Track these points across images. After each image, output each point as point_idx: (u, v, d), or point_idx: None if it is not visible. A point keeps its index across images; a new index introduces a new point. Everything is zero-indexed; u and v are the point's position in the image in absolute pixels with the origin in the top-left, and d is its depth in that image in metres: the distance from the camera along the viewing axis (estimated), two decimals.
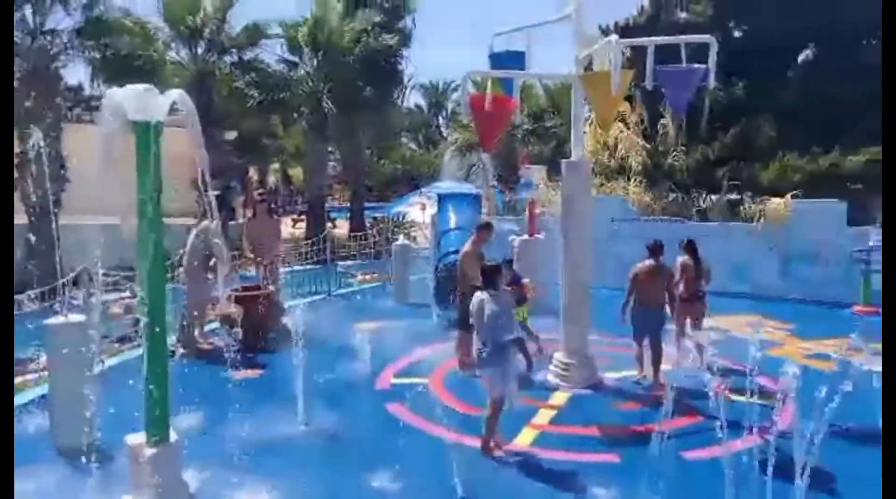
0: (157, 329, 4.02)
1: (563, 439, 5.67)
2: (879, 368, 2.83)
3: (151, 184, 3.88)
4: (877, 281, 10.90)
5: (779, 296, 11.62)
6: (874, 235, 11.08)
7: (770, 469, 2.92)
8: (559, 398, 6.67)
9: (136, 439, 4.10)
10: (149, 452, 3.99)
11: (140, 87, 3.67)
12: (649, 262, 6.95)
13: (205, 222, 7.83)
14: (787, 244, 12.04)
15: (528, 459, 5.27)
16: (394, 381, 7.21)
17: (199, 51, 18.20)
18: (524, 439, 5.63)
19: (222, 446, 5.22)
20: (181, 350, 7.98)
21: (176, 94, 3.82)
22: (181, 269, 8.39)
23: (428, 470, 4.92)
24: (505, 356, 5.16)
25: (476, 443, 5.34)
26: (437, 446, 5.06)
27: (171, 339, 7.98)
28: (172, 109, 3.97)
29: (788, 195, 12.37)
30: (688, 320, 7.35)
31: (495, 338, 5.13)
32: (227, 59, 18.78)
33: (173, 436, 4.13)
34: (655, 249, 6.95)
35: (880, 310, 10.78)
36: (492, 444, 5.30)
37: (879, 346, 3.24)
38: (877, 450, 3.02)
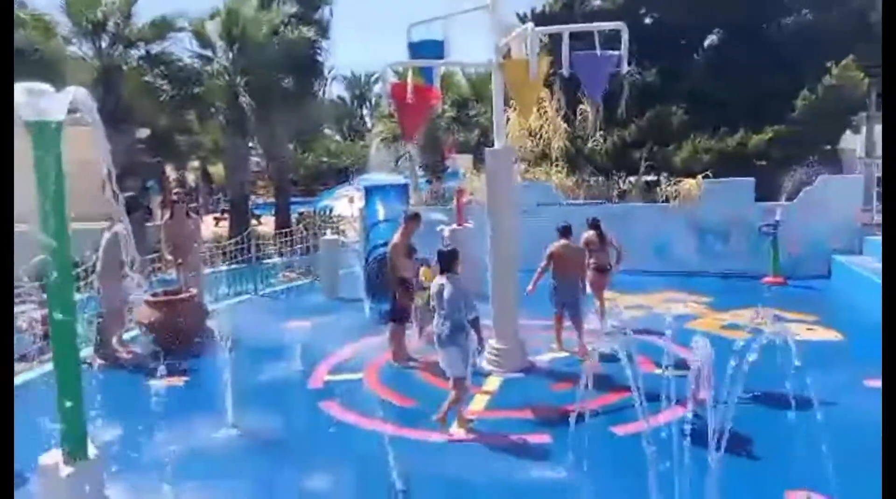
0: (68, 339, 3.82)
1: (498, 423, 5.76)
2: (782, 334, 3.01)
3: (53, 188, 3.66)
4: (783, 253, 11.61)
5: (697, 271, 12.18)
6: (779, 210, 11.75)
7: (687, 440, 3.07)
8: (493, 384, 6.77)
9: (52, 457, 3.88)
10: (66, 471, 3.78)
11: (33, 85, 3.44)
12: (562, 241, 7.63)
13: (118, 226, 7.46)
14: (701, 222, 12.62)
15: (463, 446, 5.32)
16: (327, 378, 7.12)
17: (104, 45, 17.28)
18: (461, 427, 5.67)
19: (147, 458, 5.01)
20: (98, 361, 7.60)
21: (73, 91, 3.61)
22: (94, 275, 7.98)
23: (365, 465, 4.89)
24: (464, 336, 5.43)
25: (413, 434, 5.35)
26: (374, 441, 5.03)
27: (88, 350, 7.60)
28: (72, 108, 3.75)
29: (700, 176, 12.95)
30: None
31: (455, 319, 5.40)
32: (135, 53, 17.92)
33: (93, 451, 3.94)
34: (565, 231, 7.72)
35: (787, 280, 11.46)
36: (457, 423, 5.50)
37: (780, 312, 3.50)
38: (784, 413, 3.22)
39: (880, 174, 16.18)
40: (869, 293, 9.54)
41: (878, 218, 12.51)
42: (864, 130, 16.17)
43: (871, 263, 10.71)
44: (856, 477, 4.33)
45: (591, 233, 8.32)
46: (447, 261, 5.74)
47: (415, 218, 7.74)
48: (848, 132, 16.81)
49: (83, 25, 16.80)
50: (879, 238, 11.56)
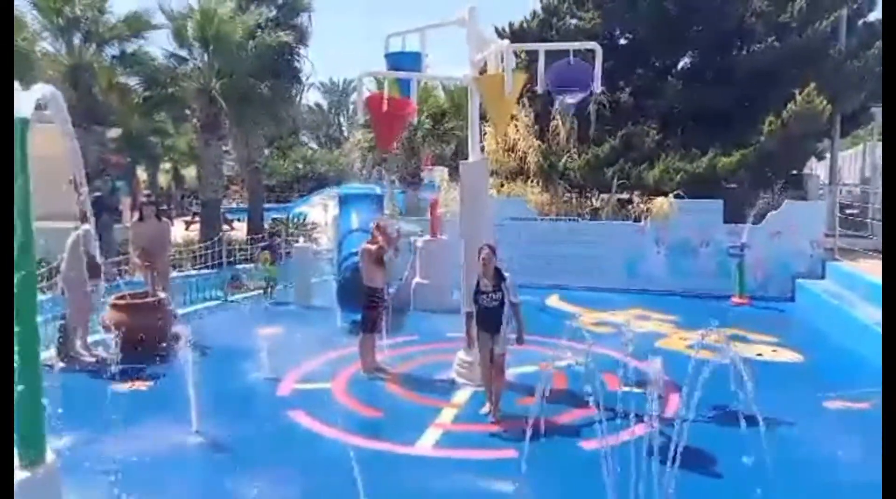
0: (29, 341, 3.74)
1: (466, 437, 5.77)
2: (737, 355, 3.10)
3: (20, 187, 3.60)
4: (749, 275, 11.87)
5: (666, 289, 12.37)
6: (746, 232, 12.02)
7: (650, 456, 3.12)
8: (462, 396, 6.78)
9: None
10: (21, 475, 3.70)
11: None
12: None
13: (84, 226, 7.32)
14: (671, 241, 12.84)
15: (430, 459, 5.31)
16: (295, 387, 7.06)
17: (76, 42, 17.00)
18: (428, 440, 5.67)
19: (107, 463, 4.91)
20: (60, 363, 7.43)
21: (42, 88, 3.56)
22: (59, 275, 7.82)
23: (330, 475, 4.85)
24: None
25: (379, 446, 5.34)
26: (340, 451, 4.99)
27: (51, 351, 7.43)
28: (39, 106, 3.70)
29: (671, 195, 13.17)
30: None
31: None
32: (108, 51, 17.66)
33: (50, 456, 3.85)
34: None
35: (752, 301, 11.66)
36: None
37: (744, 332, 3.56)
38: (743, 431, 3.29)
39: (843, 201, 16.64)
40: (831, 317, 9.81)
41: (840, 243, 12.86)
42: (828, 156, 16.64)
43: (832, 288, 11.00)
44: (813, 495, 4.44)
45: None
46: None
47: (377, 228, 7.69)
48: (813, 159, 17.28)
49: (55, 21, 16.52)
50: (841, 263, 11.90)
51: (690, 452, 3.14)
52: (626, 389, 3.69)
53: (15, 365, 3.69)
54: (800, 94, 12.99)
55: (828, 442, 5.59)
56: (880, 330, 3.24)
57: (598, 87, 6.86)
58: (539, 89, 6.93)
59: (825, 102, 12.93)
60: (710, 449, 5.13)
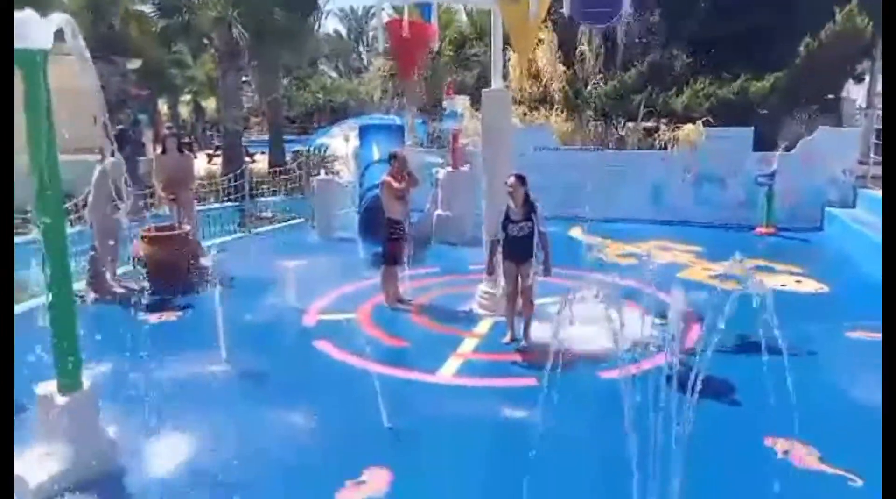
0: (61, 273, 3.84)
1: (487, 366, 5.88)
2: (762, 286, 3.06)
3: (42, 120, 3.60)
4: (778, 203, 11.63)
5: (692, 220, 12.21)
6: (776, 160, 11.69)
7: (670, 385, 3.16)
8: (483, 327, 6.86)
9: (47, 387, 3.96)
10: (61, 401, 3.88)
11: (16, 12, 3.34)
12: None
13: (109, 159, 7.36)
14: (698, 170, 12.56)
15: (452, 387, 5.44)
16: (320, 317, 7.20)
17: None
18: (449, 369, 5.79)
19: (140, 391, 5.11)
20: (92, 295, 7.65)
21: (59, 18, 3.50)
22: (86, 209, 7.94)
23: (354, 403, 5.00)
24: None
25: (401, 374, 5.47)
26: (365, 380, 5.13)
27: (81, 283, 7.63)
28: (58, 36, 3.65)
29: (699, 121, 12.80)
30: None
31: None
32: None
33: (86, 383, 4.02)
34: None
35: (779, 230, 11.50)
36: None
37: (769, 263, 3.50)
38: (764, 361, 3.29)
39: (880, 126, 16.03)
40: (859, 246, 9.63)
41: (875, 171, 12.47)
42: (867, 79, 15.92)
43: (863, 216, 10.75)
44: (834, 426, 4.48)
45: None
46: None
47: (394, 157, 7.57)
48: (850, 82, 16.56)
49: None
50: (873, 191, 11.58)
51: (713, 382, 3.15)
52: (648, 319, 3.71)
53: (48, 297, 3.80)
54: (840, 12, 12.31)
55: (847, 371, 5.59)
56: None
57: (627, 9, 6.56)
58: (566, 12, 6.64)
59: (867, 21, 12.26)
60: (730, 379, 5.17)
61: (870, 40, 13.15)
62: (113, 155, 6.90)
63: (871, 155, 13.03)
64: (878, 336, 6.18)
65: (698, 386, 2.96)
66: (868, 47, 13.86)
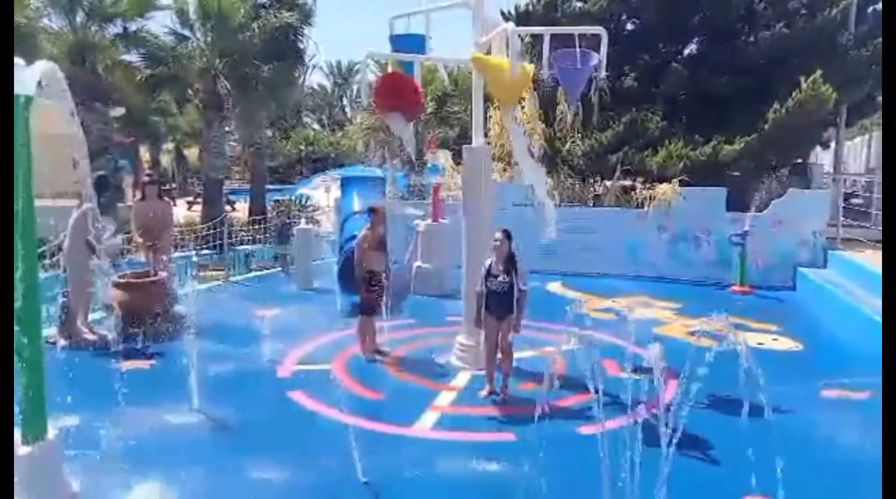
0: (31, 318, 3.75)
1: (464, 419, 5.80)
2: (744, 343, 3.10)
3: (23, 165, 3.59)
4: (750, 263, 11.86)
5: (668, 277, 12.38)
6: (748, 220, 11.98)
7: (647, 442, 3.14)
8: (461, 380, 6.80)
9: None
10: (23, 450, 3.72)
11: None
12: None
13: (87, 204, 7.32)
14: (674, 228, 12.81)
15: (429, 440, 5.35)
16: (296, 368, 7.09)
17: (79, 19, 16.89)
18: (426, 422, 5.70)
19: (107, 441, 4.95)
20: (62, 341, 7.46)
21: (43, 66, 3.54)
22: (61, 253, 7.83)
23: (329, 456, 4.89)
24: None
25: (377, 427, 5.37)
26: (340, 432, 5.02)
27: (52, 329, 7.46)
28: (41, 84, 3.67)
29: (675, 181, 13.11)
30: None
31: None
32: (112, 29, 17.55)
33: (52, 432, 3.88)
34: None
35: (753, 289, 11.65)
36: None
37: (744, 321, 3.58)
38: (742, 419, 3.30)
39: (847, 190, 16.57)
40: (831, 306, 9.81)
41: (843, 233, 12.83)
42: (833, 146, 16.53)
43: (834, 277, 10.99)
44: (810, 485, 4.47)
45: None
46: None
47: (373, 211, 7.64)
48: (818, 148, 17.18)
49: None
50: (843, 253, 11.88)
51: (687, 437, 3.15)
52: (626, 375, 3.71)
53: (17, 342, 3.70)
54: (805, 81, 12.87)
55: (824, 430, 5.62)
56: (881, 320, 3.24)
57: (602, 72, 6.80)
58: (545, 74, 6.86)
59: (831, 91, 12.82)
60: (707, 435, 5.16)
61: (833, 109, 13.72)
62: (89, 201, 6.86)
63: (840, 218, 13.41)
64: (854, 395, 6.28)
65: (675, 441, 2.95)
66: (833, 116, 14.45)
